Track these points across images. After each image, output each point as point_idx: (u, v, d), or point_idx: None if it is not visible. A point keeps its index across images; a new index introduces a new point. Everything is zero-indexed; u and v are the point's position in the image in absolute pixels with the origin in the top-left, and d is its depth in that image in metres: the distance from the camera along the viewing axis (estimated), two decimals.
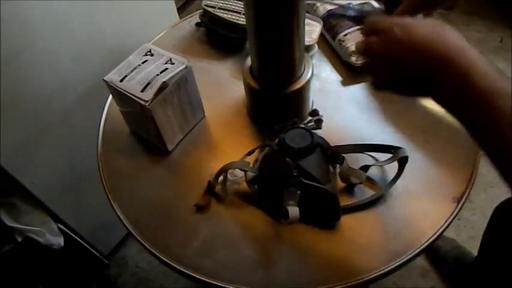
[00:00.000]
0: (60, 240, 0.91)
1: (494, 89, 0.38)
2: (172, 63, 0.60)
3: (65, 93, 0.86)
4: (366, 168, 0.57)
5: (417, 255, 0.52)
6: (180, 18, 0.95)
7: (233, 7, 0.77)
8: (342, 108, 0.68)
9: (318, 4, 0.78)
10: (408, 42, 0.43)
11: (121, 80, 0.59)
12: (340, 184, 0.57)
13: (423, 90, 0.44)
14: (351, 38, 0.71)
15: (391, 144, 0.58)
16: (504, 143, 0.38)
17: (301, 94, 0.61)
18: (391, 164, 0.57)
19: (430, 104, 0.67)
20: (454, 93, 0.41)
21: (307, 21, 0.72)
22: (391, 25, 0.45)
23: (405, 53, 0.43)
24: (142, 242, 0.56)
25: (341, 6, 0.76)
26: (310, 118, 0.62)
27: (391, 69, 0.45)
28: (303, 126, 0.55)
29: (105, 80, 0.60)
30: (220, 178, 0.58)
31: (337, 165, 0.56)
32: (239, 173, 0.58)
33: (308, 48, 0.72)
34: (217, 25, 0.78)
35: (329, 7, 0.77)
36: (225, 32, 0.77)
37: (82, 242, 1.04)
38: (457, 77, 0.40)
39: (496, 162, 0.42)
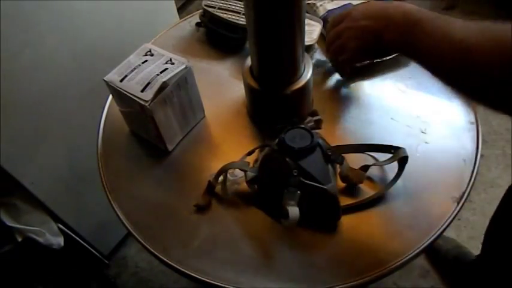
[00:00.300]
0: (60, 240, 0.91)
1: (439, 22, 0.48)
2: (172, 63, 0.60)
3: (65, 93, 0.86)
4: (365, 168, 0.57)
5: (417, 255, 0.52)
6: (180, 18, 0.95)
7: (233, 7, 0.77)
8: (342, 108, 0.68)
9: (318, 4, 0.78)
10: (368, 9, 0.59)
11: (121, 80, 0.59)
12: (340, 184, 0.57)
13: (382, 46, 0.56)
14: None
15: (391, 144, 0.59)
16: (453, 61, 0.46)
17: (301, 94, 0.61)
18: (391, 164, 0.57)
19: (430, 103, 0.67)
20: (408, 33, 0.51)
21: (307, 21, 0.72)
22: (349, 10, 0.62)
23: (367, 15, 0.58)
24: (142, 242, 0.56)
25: (341, 6, 0.76)
26: (310, 118, 0.62)
27: (358, 38, 0.60)
28: (303, 126, 0.55)
29: (105, 80, 0.60)
30: (220, 178, 0.58)
31: (337, 165, 0.56)
32: (239, 173, 0.58)
33: (308, 48, 0.72)
34: (217, 25, 0.78)
35: (329, 7, 0.77)
36: (225, 32, 0.77)
37: (82, 242, 1.04)
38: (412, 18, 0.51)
39: (455, 83, 0.49)
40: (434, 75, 0.50)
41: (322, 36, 0.75)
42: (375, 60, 0.71)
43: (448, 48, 0.46)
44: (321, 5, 0.78)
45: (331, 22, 0.66)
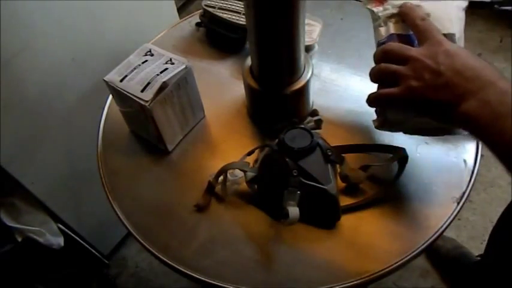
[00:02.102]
0: (60, 240, 0.91)
1: None
2: (172, 63, 0.60)
3: (65, 93, 0.86)
4: (365, 168, 0.57)
5: (417, 255, 0.52)
6: (180, 18, 0.95)
7: (233, 7, 0.77)
8: (342, 108, 0.68)
9: (382, 21, 0.54)
10: (453, 58, 0.44)
11: (121, 80, 0.59)
12: (340, 184, 0.57)
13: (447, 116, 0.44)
14: None
15: (391, 144, 0.58)
16: None
17: (301, 94, 0.61)
18: (391, 164, 0.57)
19: None
20: (491, 115, 0.41)
21: (307, 21, 0.72)
22: (421, 50, 0.46)
23: (449, 66, 0.43)
24: (142, 242, 0.56)
25: (407, 35, 0.55)
26: (310, 118, 0.62)
27: (419, 102, 0.46)
28: (303, 126, 0.55)
29: (105, 80, 0.60)
30: (220, 178, 0.58)
31: (337, 165, 0.56)
32: (239, 173, 0.58)
33: (308, 48, 0.72)
34: (217, 25, 0.78)
35: (392, 30, 0.53)
36: (225, 32, 0.77)
37: (82, 242, 1.04)
38: (498, 96, 0.41)
39: None
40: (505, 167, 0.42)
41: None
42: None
43: None
44: (384, 24, 0.53)
45: (387, 52, 0.49)
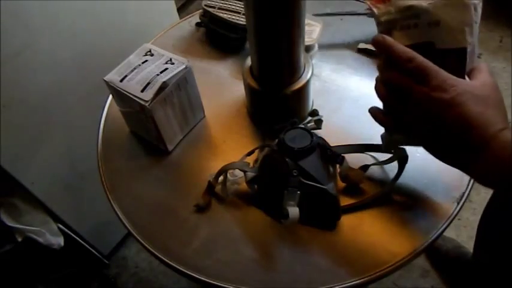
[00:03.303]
0: (60, 240, 0.91)
1: None
2: (172, 63, 0.60)
3: (65, 93, 0.86)
4: (365, 168, 0.57)
5: (417, 255, 0.52)
6: (180, 18, 0.95)
7: (233, 7, 0.77)
8: (342, 108, 0.68)
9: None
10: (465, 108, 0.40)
11: (121, 80, 0.59)
12: (340, 184, 0.57)
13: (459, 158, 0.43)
14: None
15: None
16: None
17: (301, 94, 0.61)
18: (391, 164, 0.57)
19: None
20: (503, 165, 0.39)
21: (307, 21, 0.72)
22: (451, 85, 0.41)
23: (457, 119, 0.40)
24: (142, 242, 0.56)
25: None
26: (310, 118, 0.62)
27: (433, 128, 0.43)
28: (303, 126, 0.55)
29: (105, 80, 0.60)
30: (220, 178, 0.58)
31: (337, 165, 0.56)
32: (239, 173, 0.58)
33: (308, 48, 0.72)
34: (217, 25, 0.78)
35: None
36: (225, 32, 0.77)
37: (82, 242, 1.04)
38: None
39: None
40: None
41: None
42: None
43: None
44: (386, 33, 0.46)
45: (403, 53, 0.43)
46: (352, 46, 0.77)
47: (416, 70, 0.42)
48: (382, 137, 0.54)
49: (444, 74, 0.41)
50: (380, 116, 0.49)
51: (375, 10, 0.46)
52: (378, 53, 0.46)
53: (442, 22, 0.43)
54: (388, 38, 0.44)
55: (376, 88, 0.47)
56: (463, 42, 0.44)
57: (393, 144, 0.54)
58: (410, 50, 0.43)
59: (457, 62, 0.44)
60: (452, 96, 0.40)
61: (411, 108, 0.43)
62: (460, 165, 0.44)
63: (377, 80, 0.47)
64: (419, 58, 0.42)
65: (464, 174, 0.57)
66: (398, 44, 0.43)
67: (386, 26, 0.45)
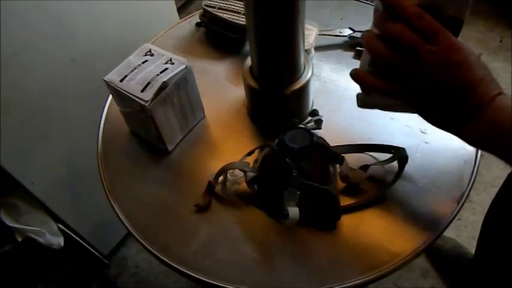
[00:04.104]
0: (60, 240, 0.91)
1: None
2: (172, 63, 0.60)
3: (65, 93, 0.86)
4: (365, 168, 0.57)
5: (417, 255, 0.52)
6: (180, 18, 0.95)
7: (233, 7, 0.77)
8: (342, 108, 0.68)
9: None
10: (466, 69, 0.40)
11: (121, 80, 0.59)
12: (340, 184, 0.57)
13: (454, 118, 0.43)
14: None
15: (391, 144, 0.58)
16: None
17: (301, 94, 0.61)
18: (391, 164, 0.57)
19: None
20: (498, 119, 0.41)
21: None
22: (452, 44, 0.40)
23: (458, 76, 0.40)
24: (142, 242, 0.56)
25: None
26: (310, 118, 0.62)
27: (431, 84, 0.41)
28: (303, 126, 0.55)
29: (105, 80, 0.60)
30: (220, 178, 0.58)
31: (337, 165, 0.56)
32: (239, 173, 0.58)
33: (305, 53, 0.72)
34: (217, 25, 0.78)
35: None
36: (225, 32, 0.77)
37: (82, 242, 1.04)
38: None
39: None
40: None
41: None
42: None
43: None
44: None
45: (416, 11, 0.40)
46: (352, 46, 0.77)
47: (426, 28, 0.40)
48: (358, 96, 0.51)
49: (452, 36, 0.41)
50: (371, 79, 0.45)
51: None
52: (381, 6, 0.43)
53: None
54: None
55: (372, 44, 0.43)
56: (464, 14, 0.43)
57: (369, 106, 0.52)
58: (419, 8, 0.41)
59: (452, 33, 0.43)
60: (462, 57, 0.40)
61: (415, 67, 0.41)
62: (453, 127, 0.44)
63: (369, 36, 0.44)
64: (429, 17, 0.40)
65: (464, 174, 0.58)
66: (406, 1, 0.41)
67: None
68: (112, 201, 0.61)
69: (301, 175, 0.50)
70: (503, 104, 0.41)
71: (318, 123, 0.61)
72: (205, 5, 0.78)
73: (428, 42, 0.40)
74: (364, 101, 0.51)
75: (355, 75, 0.47)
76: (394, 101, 0.47)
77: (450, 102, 0.42)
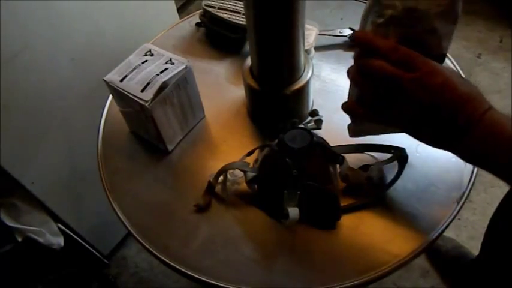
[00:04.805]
0: (60, 240, 0.91)
1: None
2: (172, 63, 0.60)
3: (65, 94, 0.86)
4: (365, 168, 0.57)
5: (417, 255, 0.52)
6: (180, 18, 0.95)
7: (233, 7, 0.77)
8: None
9: None
10: (449, 90, 0.41)
11: (121, 80, 0.59)
12: (340, 184, 0.57)
13: (444, 138, 0.44)
14: None
15: (391, 144, 0.58)
16: None
17: (301, 94, 0.61)
18: (391, 164, 0.57)
19: None
20: (487, 140, 0.41)
21: None
22: (431, 69, 0.42)
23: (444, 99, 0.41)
24: (142, 242, 0.56)
25: None
26: (310, 118, 0.62)
27: (419, 110, 0.42)
28: (303, 126, 0.55)
29: (105, 80, 0.60)
30: (220, 178, 0.58)
31: (337, 165, 0.56)
32: (239, 173, 0.58)
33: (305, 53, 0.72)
34: (217, 25, 0.78)
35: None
36: (225, 32, 0.77)
37: (82, 242, 1.04)
38: (495, 122, 0.41)
39: None
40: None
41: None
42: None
43: None
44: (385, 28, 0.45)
45: (387, 45, 0.43)
46: (352, 46, 0.77)
47: (404, 59, 0.42)
48: (349, 127, 0.54)
49: (431, 61, 0.42)
50: (361, 111, 0.48)
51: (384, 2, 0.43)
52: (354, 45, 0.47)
53: (438, 31, 0.44)
54: (368, 33, 0.44)
55: (356, 80, 0.46)
56: (446, 50, 0.46)
57: (361, 134, 0.55)
58: (392, 41, 0.43)
59: None
60: (444, 78, 0.41)
61: (401, 96, 0.42)
62: (446, 146, 0.44)
63: (354, 72, 0.46)
64: (404, 48, 0.42)
65: (464, 174, 0.58)
66: (378, 37, 0.44)
67: (388, 21, 0.43)
68: (112, 201, 0.61)
69: (301, 175, 0.50)
70: (493, 119, 0.41)
71: (318, 123, 0.61)
72: (205, 5, 0.78)
73: (409, 71, 0.41)
74: (355, 131, 0.54)
75: (346, 109, 0.50)
76: (384, 127, 0.49)
77: (440, 123, 0.42)
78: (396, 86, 0.42)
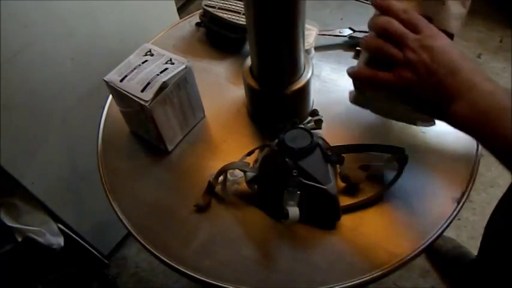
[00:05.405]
0: (60, 240, 0.91)
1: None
2: (172, 63, 0.60)
3: (65, 93, 0.86)
4: (365, 168, 0.57)
5: (417, 255, 0.52)
6: (180, 18, 0.95)
7: (233, 7, 0.77)
8: (342, 108, 0.68)
9: None
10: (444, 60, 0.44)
11: (121, 80, 0.59)
12: (340, 184, 0.57)
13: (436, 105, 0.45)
14: None
15: (391, 144, 0.58)
16: None
17: (301, 94, 0.61)
18: (391, 164, 0.57)
19: None
20: (475, 110, 0.42)
21: None
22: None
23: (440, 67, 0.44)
24: (142, 242, 0.56)
25: None
26: (310, 118, 0.62)
27: (418, 73, 0.45)
28: (303, 126, 0.55)
29: (105, 80, 0.60)
30: (220, 178, 0.58)
31: (337, 165, 0.56)
32: (239, 173, 0.58)
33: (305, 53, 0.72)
34: (217, 25, 0.78)
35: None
36: (225, 32, 0.77)
37: (82, 242, 1.04)
38: (486, 97, 0.42)
39: None
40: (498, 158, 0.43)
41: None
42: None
43: None
44: None
45: (388, 30, 0.47)
46: (352, 46, 0.77)
47: (411, 20, 0.46)
48: (351, 93, 0.56)
49: (433, 27, 0.46)
50: (366, 70, 0.50)
51: None
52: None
53: (447, 4, 0.48)
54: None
55: (366, 39, 0.49)
56: (454, 29, 0.48)
57: (360, 104, 0.56)
58: (404, 3, 0.47)
59: None
60: (443, 43, 0.45)
61: (403, 54, 0.45)
62: (438, 110, 0.45)
63: (365, 36, 0.50)
64: (412, 11, 0.47)
65: (464, 175, 0.58)
66: (394, 1, 0.48)
67: None
68: (112, 201, 0.61)
69: (301, 175, 0.50)
70: (489, 86, 0.42)
71: (318, 123, 0.61)
72: (205, 5, 0.78)
73: (415, 33, 0.45)
74: (356, 98, 0.55)
75: (353, 73, 0.52)
76: (382, 104, 0.52)
77: (436, 84, 0.44)
78: (401, 42, 0.45)
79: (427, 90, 0.45)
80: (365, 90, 0.53)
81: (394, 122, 0.64)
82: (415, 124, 0.56)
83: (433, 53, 0.44)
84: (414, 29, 0.45)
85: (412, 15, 0.46)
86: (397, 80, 0.46)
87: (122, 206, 0.60)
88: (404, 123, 0.59)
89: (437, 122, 0.63)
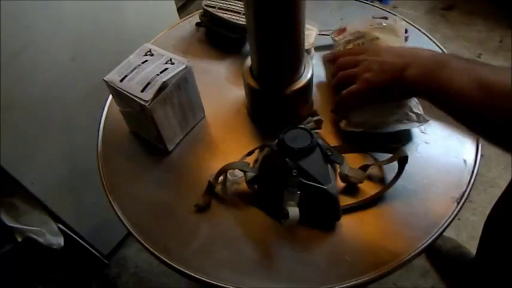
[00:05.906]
0: (60, 240, 0.91)
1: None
2: (172, 63, 0.60)
3: (65, 93, 0.86)
4: (366, 168, 0.57)
5: (417, 255, 0.52)
6: (180, 18, 0.95)
7: (233, 7, 0.77)
8: None
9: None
10: (393, 47, 0.60)
11: (121, 80, 0.59)
12: (340, 184, 0.57)
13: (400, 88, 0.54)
14: None
15: (391, 144, 0.58)
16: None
17: (301, 94, 0.61)
18: (391, 164, 0.57)
19: (429, 104, 0.66)
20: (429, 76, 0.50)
21: None
22: (371, 44, 0.65)
23: (391, 51, 0.57)
24: (142, 242, 0.56)
25: None
26: (310, 118, 0.62)
27: (375, 71, 0.56)
28: (303, 126, 0.55)
29: (105, 80, 0.60)
30: (220, 178, 0.58)
31: (337, 165, 0.56)
32: (239, 173, 0.58)
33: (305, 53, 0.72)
34: (217, 25, 0.78)
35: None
36: (225, 32, 0.77)
37: (82, 242, 1.04)
38: (430, 59, 0.52)
39: (477, 128, 0.49)
40: (453, 116, 0.49)
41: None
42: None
43: (477, 91, 0.43)
44: (342, 48, 0.70)
45: (347, 50, 0.66)
46: None
47: (354, 50, 0.65)
48: (342, 124, 0.63)
49: (374, 43, 0.65)
50: (341, 96, 0.61)
51: (337, 39, 0.71)
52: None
53: (380, 38, 0.65)
54: (333, 52, 0.69)
55: (336, 78, 0.63)
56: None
57: (354, 125, 0.62)
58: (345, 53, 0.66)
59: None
60: (384, 45, 0.62)
61: (359, 67, 0.59)
62: (400, 88, 0.54)
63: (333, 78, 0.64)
64: (353, 48, 0.67)
65: (464, 174, 0.58)
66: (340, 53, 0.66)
67: (343, 44, 0.69)
68: (112, 201, 0.61)
69: (301, 175, 0.50)
70: (430, 53, 0.54)
71: (318, 123, 0.61)
72: (205, 5, 0.78)
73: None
74: (347, 125, 0.62)
75: (337, 102, 0.62)
76: (370, 118, 0.60)
77: (390, 69, 0.54)
78: (355, 64, 0.59)
79: (387, 77, 0.54)
80: (349, 115, 0.61)
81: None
82: (410, 127, 0.61)
83: (379, 52, 0.57)
84: (360, 53, 0.61)
85: (354, 48, 0.66)
86: (363, 83, 0.57)
87: (122, 206, 0.60)
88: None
89: (437, 122, 0.63)
